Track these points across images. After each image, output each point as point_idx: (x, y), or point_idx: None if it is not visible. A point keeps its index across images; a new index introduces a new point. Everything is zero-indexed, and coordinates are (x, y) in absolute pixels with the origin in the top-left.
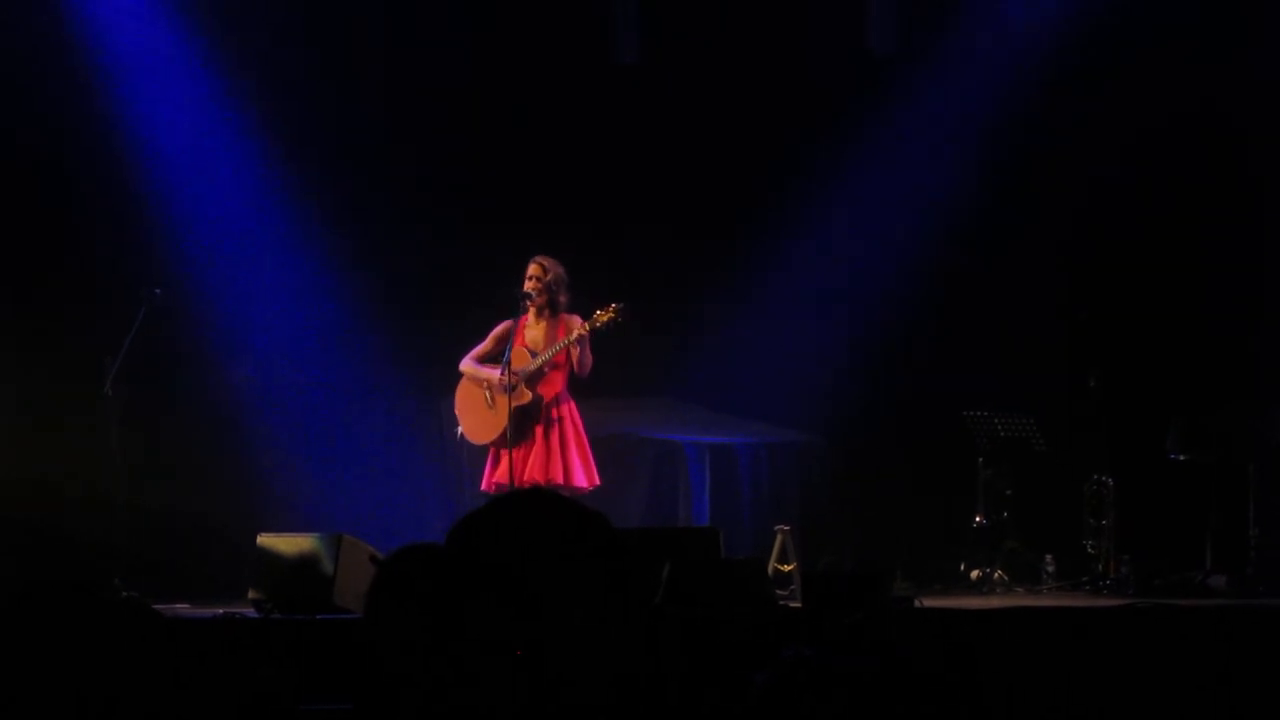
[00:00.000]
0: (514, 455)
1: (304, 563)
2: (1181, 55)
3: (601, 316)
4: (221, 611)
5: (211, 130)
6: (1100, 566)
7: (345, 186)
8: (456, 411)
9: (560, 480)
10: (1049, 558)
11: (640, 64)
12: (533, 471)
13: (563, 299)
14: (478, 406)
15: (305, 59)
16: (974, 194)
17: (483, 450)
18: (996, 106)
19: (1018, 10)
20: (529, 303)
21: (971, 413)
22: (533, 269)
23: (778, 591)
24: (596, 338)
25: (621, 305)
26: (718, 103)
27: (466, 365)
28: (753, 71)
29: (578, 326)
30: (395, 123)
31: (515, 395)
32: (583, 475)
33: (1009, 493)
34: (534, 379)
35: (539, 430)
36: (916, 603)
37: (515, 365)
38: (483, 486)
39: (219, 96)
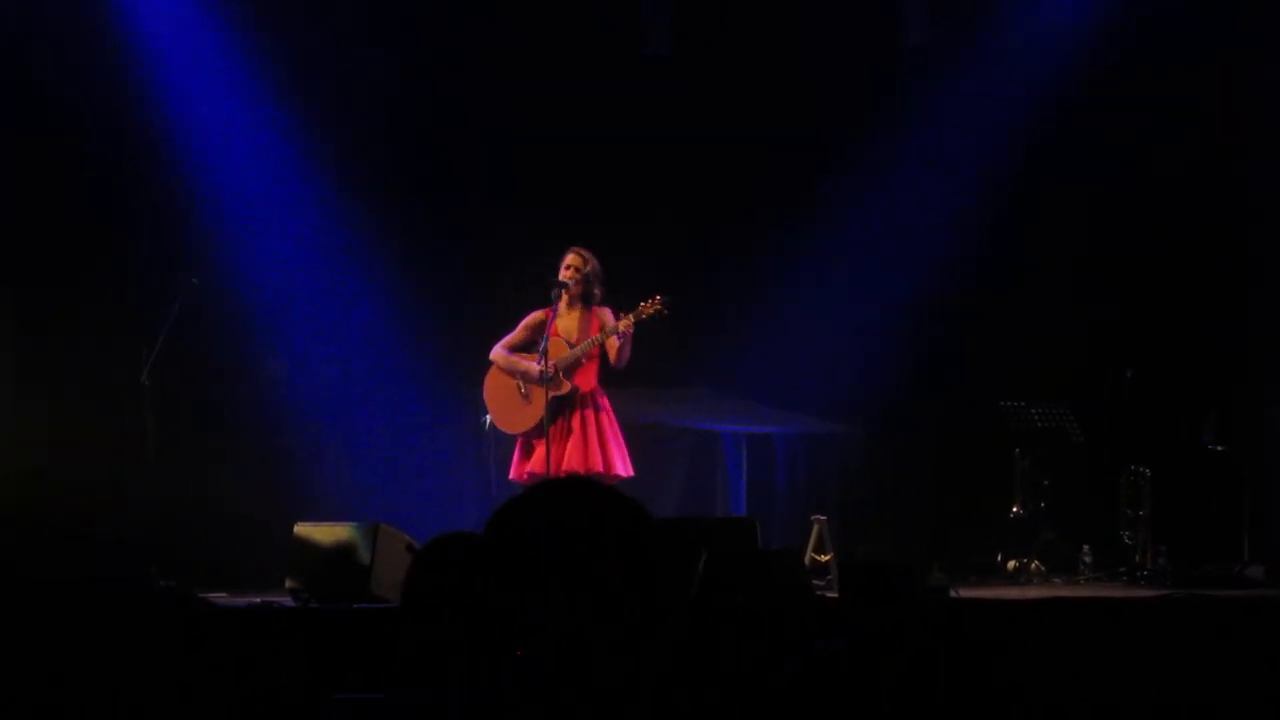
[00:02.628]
0: (550, 445)
1: (341, 552)
2: (1221, 48)
3: (646, 309)
4: (259, 600)
5: (251, 124)
6: (1137, 557)
7: (381, 181)
8: (486, 400)
9: (600, 469)
10: (1086, 548)
11: (673, 57)
12: (572, 461)
13: (597, 291)
14: (510, 396)
15: (342, 54)
16: (1010, 185)
17: (510, 439)
18: (1032, 97)
19: (1052, 4)
20: (565, 292)
21: (1008, 403)
22: (571, 259)
23: (814, 581)
24: (640, 329)
25: (665, 297)
26: (751, 95)
27: (498, 354)
28: (786, 64)
29: (612, 320)
30: (429, 117)
31: (554, 386)
32: (620, 464)
33: (1046, 483)
34: (571, 370)
35: (576, 420)
36: (952, 593)
37: (553, 355)
38: (512, 476)
39: (259, 91)
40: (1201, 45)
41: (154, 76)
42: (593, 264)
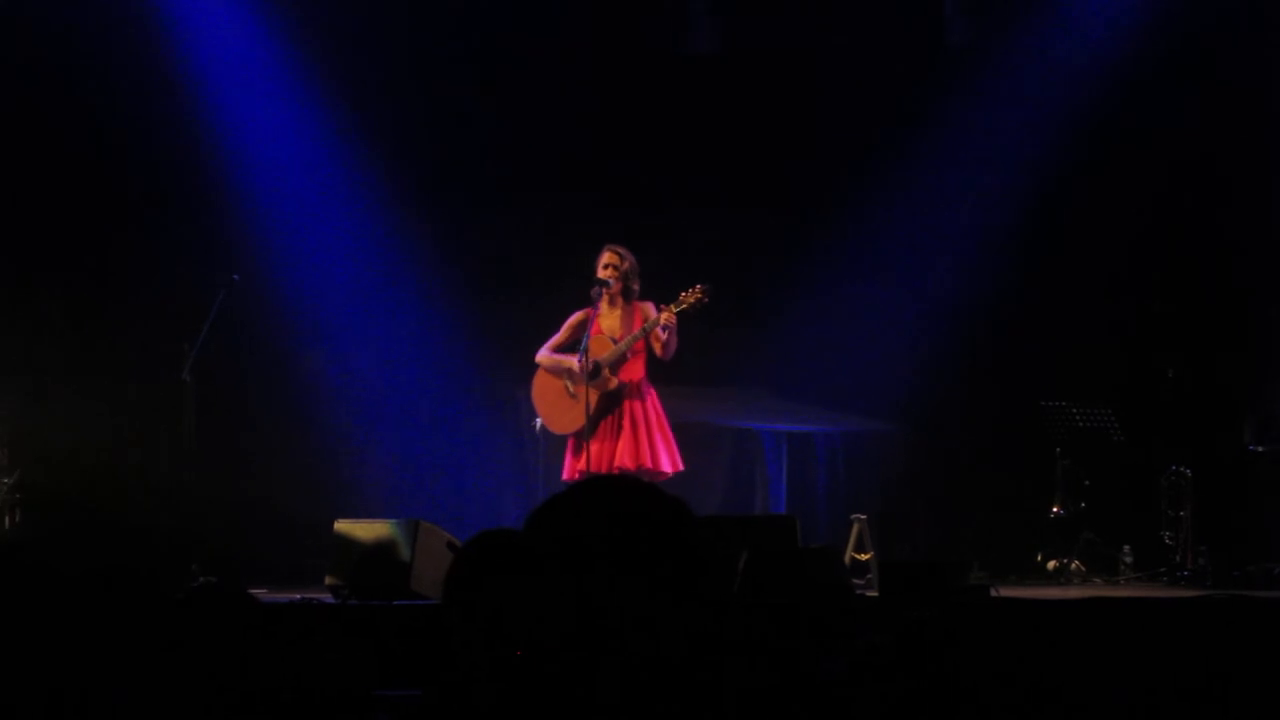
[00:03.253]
0: (600, 443)
1: (381, 549)
2: (1258, 51)
3: (687, 299)
4: (299, 597)
5: (291, 121)
6: (1178, 557)
7: (423, 178)
8: (535, 403)
9: (648, 465)
10: (1126, 548)
11: (716, 53)
12: (621, 458)
13: (636, 286)
14: (558, 397)
15: (382, 53)
16: (1053, 184)
17: (559, 440)
18: (1073, 97)
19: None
20: (606, 290)
21: (1049, 403)
22: (609, 257)
23: (854, 580)
24: (683, 319)
25: (706, 286)
26: (795, 91)
27: (543, 356)
28: (829, 60)
29: (654, 313)
30: (472, 115)
31: (600, 382)
32: (667, 460)
33: (1086, 483)
34: (616, 366)
35: (625, 418)
36: (993, 592)
37: (597, 353)
38: (565, 476)
39: (299, 89)
40: (1245, 46)
41: (200, 75)
42: (630, 260)
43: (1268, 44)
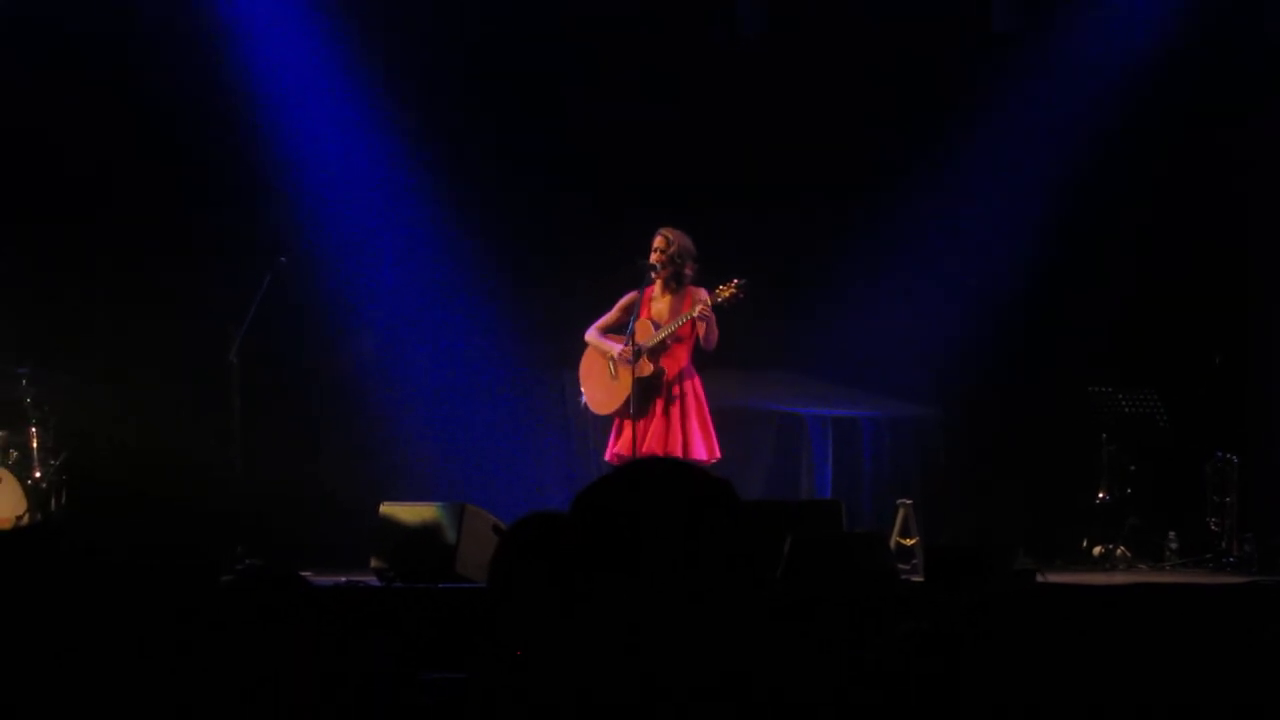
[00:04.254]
0: (636, 427)
1: (426, 532)
2: None
3: (723, 292)
4: (344, 580)
5: (339, 103)
6: (1223, 544)
7: (471, 160)
8: (580, 380)
9: (679, 453)
10: (1172, 534)
11: (765, 36)
12: (652, 444)
13: (688, 271)
14: (601, 377)
15: (433, 36)
16: (1097, 169)
17: (608, 420)
18: (1122, 80)
19: None
20: (654, 274)
21: (1096, 388)
22: (657, 241)
23: (899, 565)
24: (719, 313)
25: (743, 281)
26: (842, 76)
27: (591, 335)
28: (875, 46)
29: (702, 300)
30: (522, 97)
31: (638, 367)
32: (702, 448)
33: (1132, 469)
34: (657, 352)
35: (660, 403)
36: (1039, 578)
37: (639, 337)
38: (606, 457)
39: (349, 70)
40: None
41: (250, 60)
42: (678, 244)
43: None
